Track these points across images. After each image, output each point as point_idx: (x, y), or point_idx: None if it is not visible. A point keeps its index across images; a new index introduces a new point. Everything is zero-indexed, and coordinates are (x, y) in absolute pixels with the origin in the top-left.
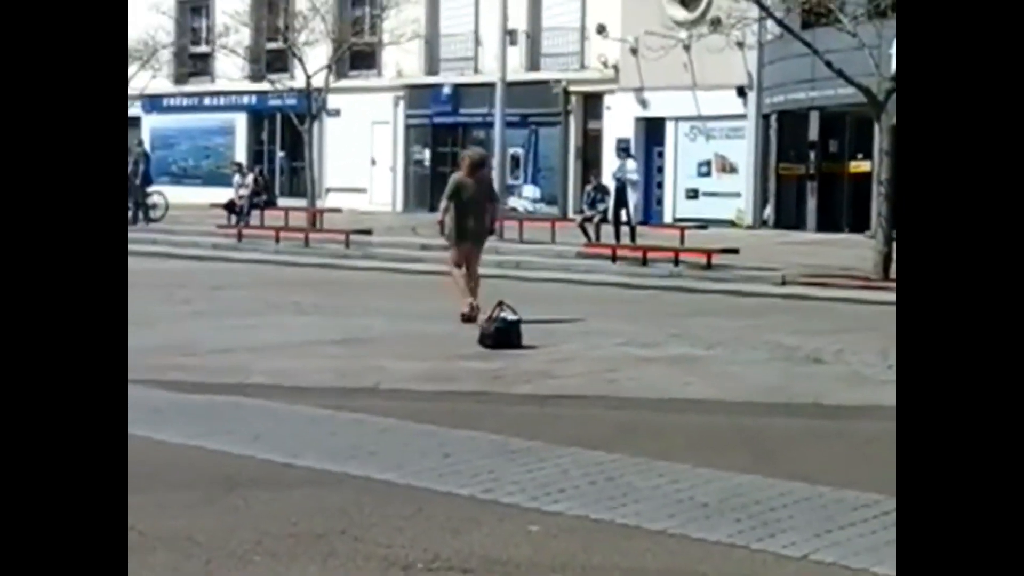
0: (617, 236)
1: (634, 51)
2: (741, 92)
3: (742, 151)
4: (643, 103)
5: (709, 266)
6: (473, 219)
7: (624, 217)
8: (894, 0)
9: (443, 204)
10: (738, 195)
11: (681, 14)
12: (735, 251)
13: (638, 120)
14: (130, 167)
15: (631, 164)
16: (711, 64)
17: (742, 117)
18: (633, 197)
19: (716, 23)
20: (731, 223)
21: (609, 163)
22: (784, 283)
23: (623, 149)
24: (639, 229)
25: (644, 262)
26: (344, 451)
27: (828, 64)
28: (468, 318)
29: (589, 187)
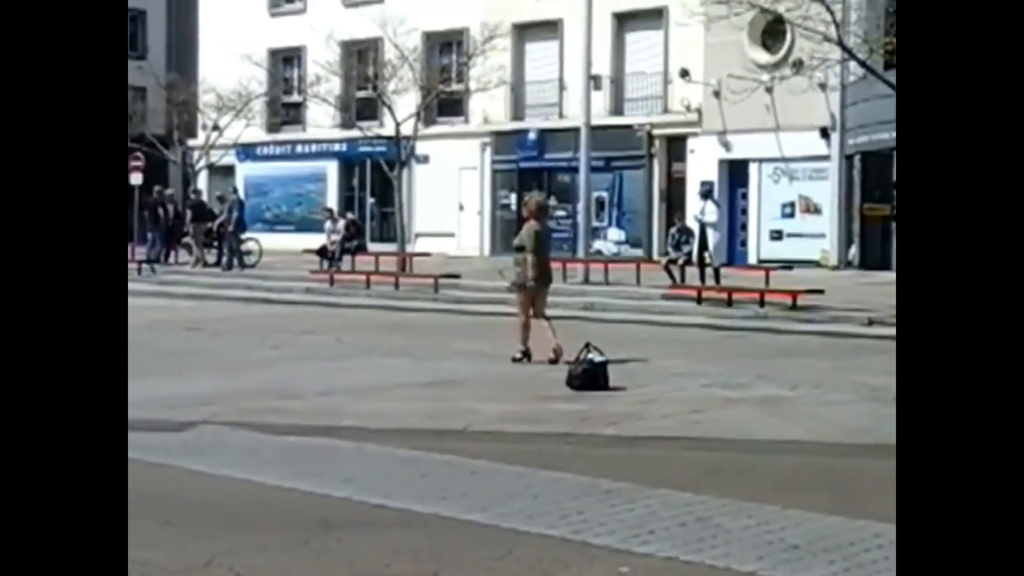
0: (702, 278)
1: (717, 94)
2: (824, 133)
3: (826, 192)
4: (726, 145)
5: (795, 307)
6: (548, 262)
7: (707, 259)
8: None
9: (531, 258)
10: (822, 236)
11: (763, 57)
12: (820, 292)
13: (721, 162)
14: (224, 214)
15: (709, 207)
16: (794, 106)
17: (825, 158)
18: (713, 239)
19: (798, 65)
20: (816, 264)
21: (693, 205)
22: (871, 324)
23: (704, 192)
24: (723, 271)
25: (729, 303)
26: (435, 492)
27: None
28: (557, 359)
29: (673, 229)
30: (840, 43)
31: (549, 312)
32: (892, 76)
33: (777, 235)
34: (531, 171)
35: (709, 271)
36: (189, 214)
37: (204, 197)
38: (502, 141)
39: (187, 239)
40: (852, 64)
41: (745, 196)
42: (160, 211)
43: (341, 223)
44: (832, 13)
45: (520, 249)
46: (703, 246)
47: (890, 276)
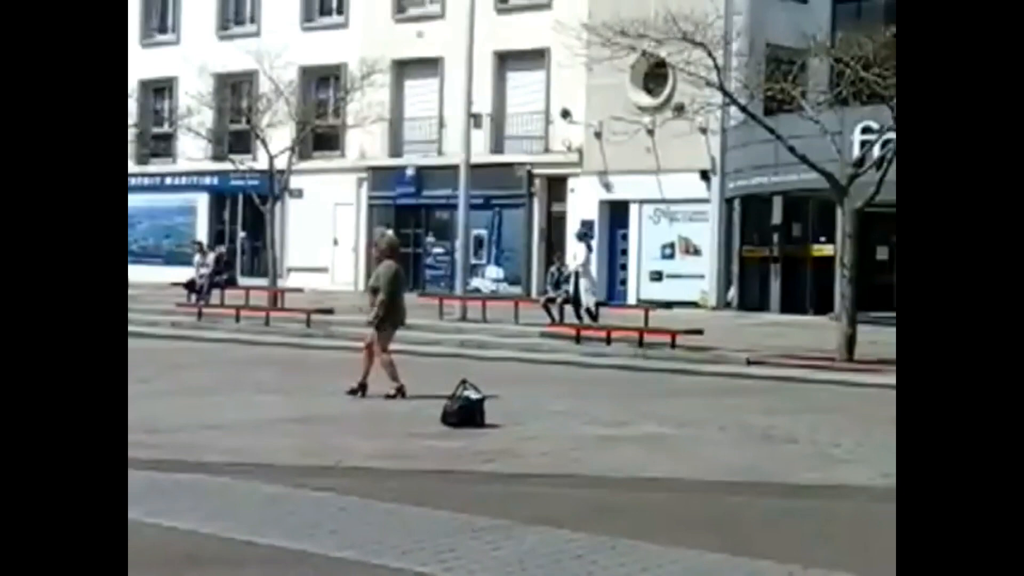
0: (578, 317)
1: (598, 135)
2: (704, 176)
3: (706, 234)
4: (607, 186)
5: (674, 346)
6: (402, 302)
7: (580, 301)
8: (855, 89)
9: (385, 297)
10: (702, 277)
11: (645, 99)
12: (699, 332)
13: (602, 203)
14: None
15: (579, 250)
16: (675, 148)
17: (705, 201)
18: (583, 283)
19: (680, 109)
20: (695, 304)
21: (573, 244)
22: (750, 363)
23: (579, 235)
24: (603, 310)
25: (608, 342)
26: (304, 529)
27: (791, 149)
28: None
29: (552, 268)
30: (721, 88)
31: (421, 348)
32: (772, 121)
33: (657, 276)
34: (409, 207)
35: (584, 312)
36: None
37: None
38: (379, 177)
39: None
40: (733, 109)
41: (625, 237)
42: None
43: (211, 256)
44: (714, 58)
45: (376, 291)
46: (575, 289)
47: (768, 317)
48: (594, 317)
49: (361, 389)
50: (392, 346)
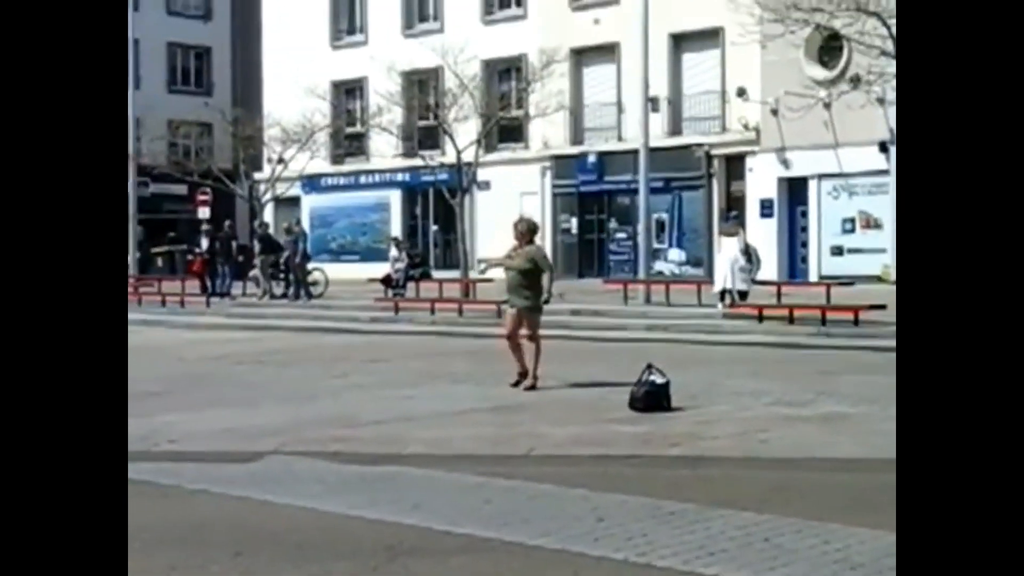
0: (723, 297)
1: (774, 112)
2: (883, 148)
3: (886, 207)
4: (785, 163)
5: (857, 323)
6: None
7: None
8: None
9: (551, 274)
10: (884, 251)
11: (820, 73)
12: (883, 307)
13: (780, 180)
14: (290, 247)
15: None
16: (852, 121)
17: (885, 173)
18: (732, 264)
19: (856, 80)
20: (878, 279)
21: (753, 224)
22: None
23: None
24: (784, 288)
25: (791, 321)
26: (500, 518)
27: None
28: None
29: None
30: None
31: (607, 334)
32: None
33: (838, 251)
34: (591, 194)
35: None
36: (258, 247)
37: (271, 230)
38: (562, 165)
39: (254, 272)
40: None
41: (805, 213)
42: (231, 244)
43: (404, 252)
44: (888, 27)
45: (528, 272)
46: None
47: None
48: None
49: (522, 377)
50: (576, 333)
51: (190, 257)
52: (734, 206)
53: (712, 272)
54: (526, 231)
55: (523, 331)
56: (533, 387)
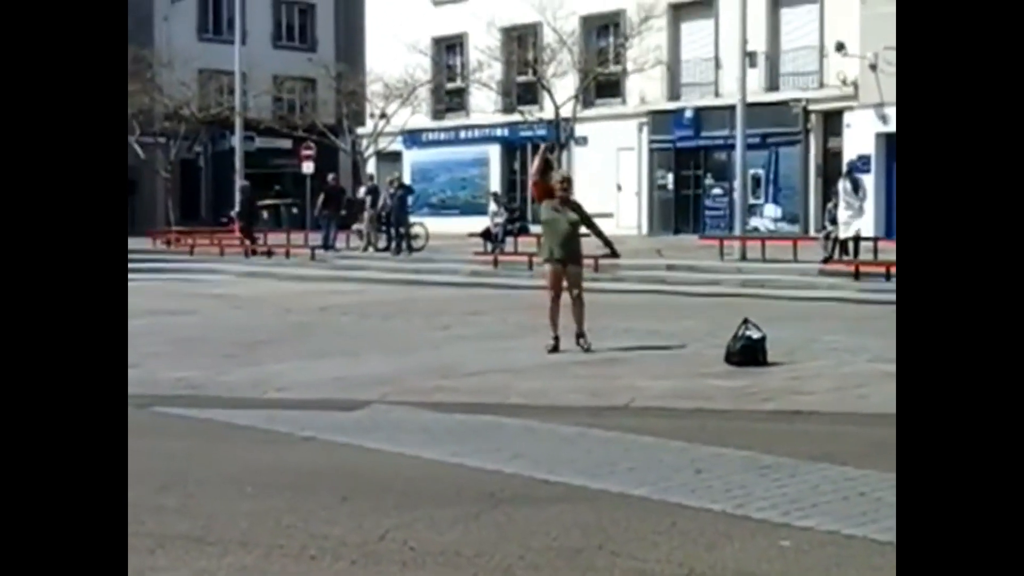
0: (834, 251)
1: (873, 67)
2: None
3: None
4: (883, 119)
5: None
6: None
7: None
8: None
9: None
10: None
11: None
12: None
13: (879, 136)
14: (390, 200)
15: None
16: None
17: None
18: (843, 215)
19: None
20: None
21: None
22: None
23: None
24: (881, 244)
25: (888, 277)
26: (599, 468)
27: None
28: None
29: (830, 204)
30: None
31: (703, 289)
32: None
33: None
34: (688, 150)
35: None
36: (369, 199)
37: (375, 183)
38: (659, 121)
39: (358, 225)
40: None
41: None
42: (339, 198)
43: (503, 206)
44: None
45: (579, 223)
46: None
47: None
48: (846, 251)
49: (557, 342)
50: (672, 288)
51: (231, 216)
52: (831, 163)
53: (807, 228)
54: (568, 182)
55: (566, 288)
56: (589, 347)
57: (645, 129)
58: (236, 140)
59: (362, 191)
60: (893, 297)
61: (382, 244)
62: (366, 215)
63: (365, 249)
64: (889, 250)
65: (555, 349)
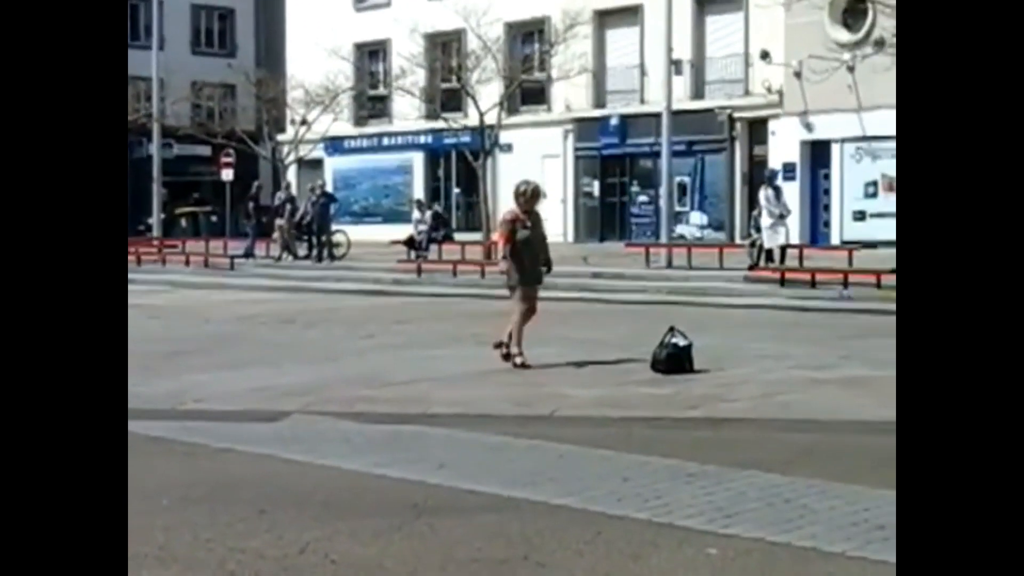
0: (759, 258)
1: (798, 75)
2: None
3: None
4: (808, 126)
5: (879, 287)
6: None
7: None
8: None
9: (504, 251)
10: None
11: (844, 36)
12: None
13: (803, 143)
14: (311, 208)
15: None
16: (876, 84)
17: None
18: (766, 223)
19: (880, 43)
20: None
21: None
22: None
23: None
24: (807, 251)
25: (813, 285)
26: (524, 477)
27: None
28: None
29: (755, 212)
30: None
31: (629, 297)
32: None
33: (860, 215)
34: (613, 157)
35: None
36: (288, 208)
37: (294, 191)
38: (584, 128)
39: (277, 234)
40: None
41: (827, 177)
42: (254, 206)
43: (428, 214)
44: None
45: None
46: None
47: None
48: (771, 258)
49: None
50: (598, 296)
51: (149, 224)
52: (756, 170)
53: (733, 235)
54: (535, 195)
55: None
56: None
57: (570, 136)
58: (154, 147)
59: (278, 198)
60: (817, 304)
61: (303, 252)
62: (279, 223)
63: (279, 258)
64: (813, 257)
65: (525, 364)
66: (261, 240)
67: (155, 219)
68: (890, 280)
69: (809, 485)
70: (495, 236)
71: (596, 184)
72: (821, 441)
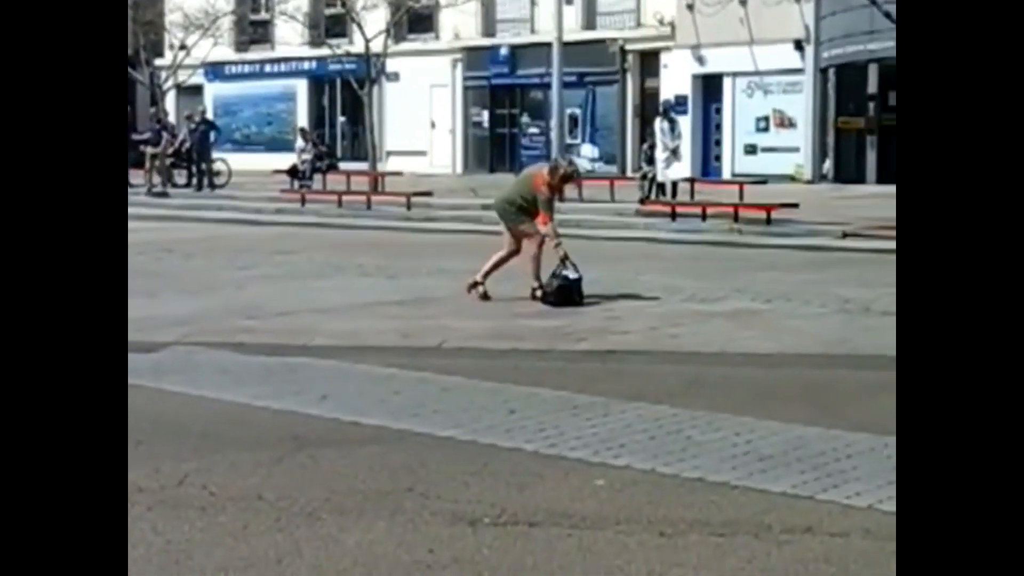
0: (650, 191)
1: (690, 7)
2: (799, 46)
3: (800, 106)
4: (700, 60)
5: (769, 221)
6: None
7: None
8: None
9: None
10: (797, 150)
11: None
12: (795, 205)
13: (695, 77)
14: (191, 136)
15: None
16: (768, 18)
17: (800, 71)
18: (660, 155)
19: None
20: (790, 178)
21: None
22: (845, 236)
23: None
24: (698, 186)
25: (704, 218)
26: (409, 409)
27: (887, 15)
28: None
29: (646, 145)
30: None
31: None
32: None
33: (751, 150)
34: (503, 88)
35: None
36: (164, 137)
37: (171, 118)
38: (474, 57)
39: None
40: None
41: (719, 111)
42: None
43: (311, 142)
44: None
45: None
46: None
47: (864, 189)
48: (663, 191)
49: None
50: (487, 228)
51: None
52: (648, 103)
53: (625, 168)
54: (570, 178)
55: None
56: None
57: (459, 66)
58: None
59: (148, 128)
60: (708, 238)
61: (182, 180)
62: (150, 152)
63: (161, 193)
64: (704, 191)
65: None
66: (133, 169)
67: None
68: (781, 214)
69: (696, 417)
70: (538, 221)
71: (485, 115)
72: (708, 373)
